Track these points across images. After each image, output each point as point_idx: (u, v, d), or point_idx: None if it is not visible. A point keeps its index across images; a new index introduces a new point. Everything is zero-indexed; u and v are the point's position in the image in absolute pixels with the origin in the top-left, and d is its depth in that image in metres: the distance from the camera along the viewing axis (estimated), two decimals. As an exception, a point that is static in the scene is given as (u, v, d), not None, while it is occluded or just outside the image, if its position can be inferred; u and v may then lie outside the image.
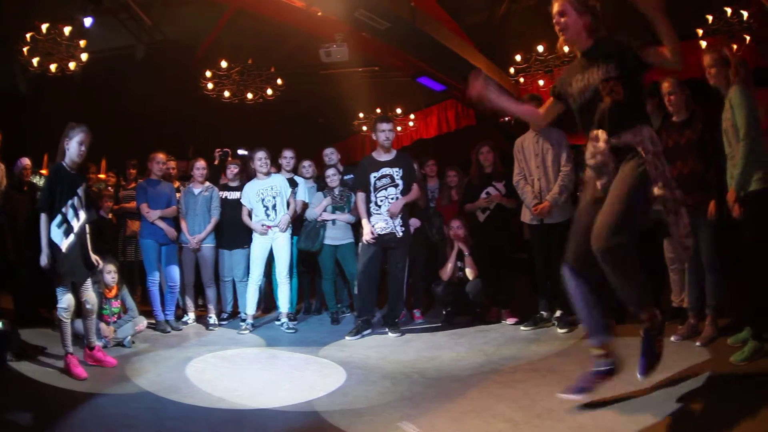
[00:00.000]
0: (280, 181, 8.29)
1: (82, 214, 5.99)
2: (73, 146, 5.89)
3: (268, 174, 8.25)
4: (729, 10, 10.26)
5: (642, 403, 4.36)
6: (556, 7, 4.57)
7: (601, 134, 4.31)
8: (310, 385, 5.39)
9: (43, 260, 5.71)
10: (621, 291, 4.31)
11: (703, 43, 10.24)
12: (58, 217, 5.78)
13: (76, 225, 5.89)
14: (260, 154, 8.19)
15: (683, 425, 3.95)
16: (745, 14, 10.11)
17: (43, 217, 5.76)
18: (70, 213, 5.86)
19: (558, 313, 7.15)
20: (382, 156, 7.68)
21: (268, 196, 8.09)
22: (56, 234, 5.75)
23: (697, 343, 5.73)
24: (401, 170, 7.58)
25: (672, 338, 5.97)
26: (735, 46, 10.20)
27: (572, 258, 4.55)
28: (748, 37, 10.43)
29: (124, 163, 10.13)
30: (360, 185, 7.70)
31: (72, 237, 5.84)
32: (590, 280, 4.50)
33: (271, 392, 5.25)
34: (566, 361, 5.73)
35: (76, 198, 5.93)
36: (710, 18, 10.45)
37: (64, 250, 5.76)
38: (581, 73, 4.47)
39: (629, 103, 4.24)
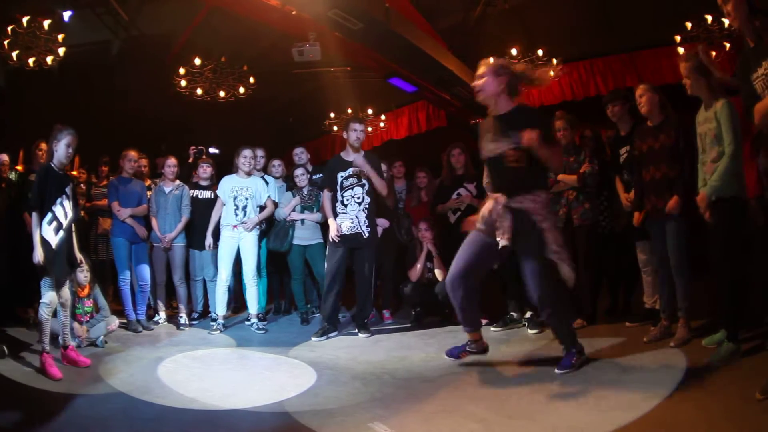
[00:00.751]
0: (258, 184, 8.29)
1: (71, 212, 6.13)
2: (61, 148, 6.04)
3: (249, 174, 8.25)
4: (710, 18, 10.32)
5: (615, 404, 4.39)
6: (478, 70, 5.44)
7: (501, 198, 5.31)
8: (280, 386, 5.41)
9: (36, 257, 5.78)
10: (558, 332, 5.56)
11: (681, 50, 10.32)
12: (49, 215, 5.90)
13: (65, 222, 6.03)
14: (247, 152, 8.21)
15: (657, 426, 3.99)
16: (726, 21, 10.18)
17: (35, 215, 5.89)
18: (60, 211, 5.98)
19: (528, 314, 7.21)
20: (350, 156, 7.68)
21: (241, 195, 8.09)
22: (47, 231, 5.87)
23: (671, 344, 5.78)
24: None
25: (645, 339, 6.06)
26: (714, 54, 10.28)
27: (460, 273, 5.54)
28: (728, 45, 10.51)
29: (96, 159, 10.07)
30: (327, 184, 7.72)
31: (62, 233, 5.98)
32: (469, 288, 5.52)
33: (243, 393, 5.26)
34: (537, 362, 5.79)
35: (64, 196, 6.05)
36: (689, 25, 10.52)
37: (54, 246, 5.88)
38: (493, 133, 5.38)
39: (530, 170, 5.22)
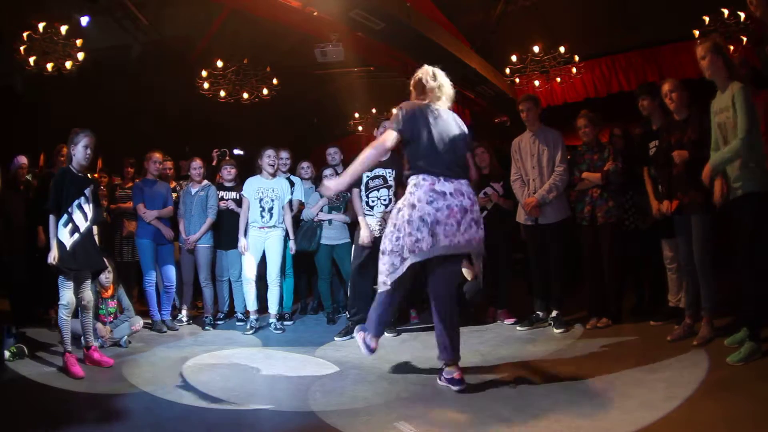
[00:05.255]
0: (283, 184, 8.27)
1: (90, 214, 6.17)
2: (80, 150, 6.10)
3: (273, 175, 8.24)
4: (726, 12, 10.28)
5: (638, 403, 4.36)
6: None
7: None
8: (306, 385, 5.39)
9: (51, 258, 5.85)
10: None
11: (699, 45, 10.28)
12: (64, 217, 5.96)
13: (82, 225, 6.07)
14: (270, 152, 8.18)
15: (680, 426, 3.96)
16: (743, 15, 10.13)
17: (52, 217, 5.97)
18: (76, 213, 6.04)
19: (554, 314, 7.16)
20: None
21: (267, 197, 8.06)
22: (62, 232, 5.93)
23: (694, 343, 5.72)
24: (394, 171, 7.49)
25: (668, 338, 6.01)
26: (732, 48, 10.23)
27: None
28: (744, 39, 10.45)
29: (120, 162, 10.11)
30: (354, 183, 7.65)
31: (77, 236, 6.01)
32: None
33: (268, 392, 5.27)
34: (562, 362, 5.74)
35: (83, 198, 6.11)
36: (707, 19, 10.48)
37: (68, 247, 5.92)
38: None
39: None
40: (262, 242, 8.05)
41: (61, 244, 5.90)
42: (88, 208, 6.15)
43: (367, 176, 7.46)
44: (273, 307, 8.10)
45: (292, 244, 8.22)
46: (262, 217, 8.03)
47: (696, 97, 6.05)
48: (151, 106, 13.85)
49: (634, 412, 4.21)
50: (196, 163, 8.53)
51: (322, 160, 9.14)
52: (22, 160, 8.40)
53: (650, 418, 4.05)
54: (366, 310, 7.64)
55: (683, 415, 4.10)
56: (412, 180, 5.12)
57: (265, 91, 13.22)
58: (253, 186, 8.15)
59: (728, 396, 4.41)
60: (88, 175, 6.46)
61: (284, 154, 8.73)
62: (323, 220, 8.43)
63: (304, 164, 9.22)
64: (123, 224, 9.06)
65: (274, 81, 13.19)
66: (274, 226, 8.09)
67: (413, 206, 4.94)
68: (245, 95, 13.18)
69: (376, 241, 7.35)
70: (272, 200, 8.07)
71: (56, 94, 11.35)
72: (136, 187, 8.39)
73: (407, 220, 4.93)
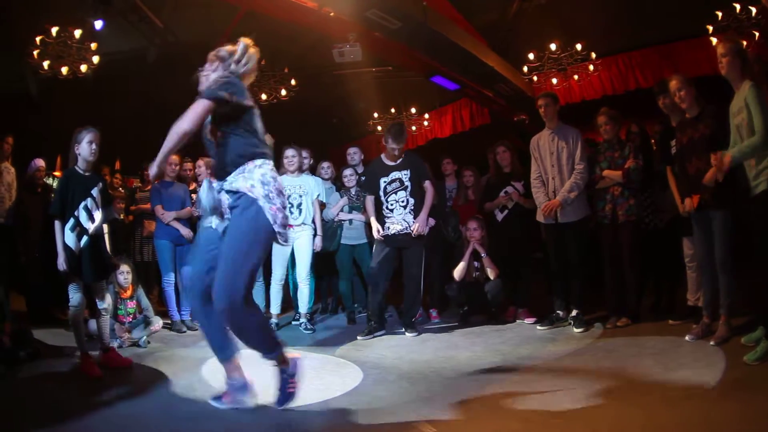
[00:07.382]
0: (309, 181, 8.27)
1: (98, 216, 5.97)
2: (84, 147, 5.90)
3: (295, 172, 8.21)
4: (738, 6, 10.23)
5: (656, 402, 4.35)
6: None
7: (215, 183, 4.60)
8: (326, 385, 5.38)
9: (60, 264, 5.74)
10: (248, 344, 4.75)
11: (714, 40, 10.22)
12: (71, 221, 5.80)
13: (90, 227, 5.88)
14: (289, 152, 8.15)
15: (697, 424, 3.94)
16: (754, 10, 10.09)
17: (57, 223, 5.79)
18: (83, 215, 5.86)
19: (574, 313, 7.13)
20: (390, 160, 7.70)
21: (295, 194, 8.04)
22: (69, 237, 5.78)
23: (711, 342, 5.70)
24: (409, 172, 7.56)
25: (687, 337, 6.00)
26: (744, 43, 10.18)
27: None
28: (757, 33, 10.41)
29: (138, 164, 10.14)
30: (369, 189, 7.73)
31: (86, 238, 5.84)
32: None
33: (288, 392, 5.25)
34: (582, 361, 5.73)
35: (89, 199, 5.92)
36: (720, 14, 10.43)
37: (76, 252, 5.79)
38: None
39: (233, 148, 4.59)
40: (291, 242, 7.95)
41: (68, 249, 5.76)
42: (96, 209, 5.97)
43: (384, 181, 7.51)
44: (303, 306, 8.13)
45: (318, 240, 8.19)
46: (291, 214, 7.94)
47: (713, 94, 5.99)
48: (167, 108, 13.85)
49: (653, 410, 4.21)
50: (198, 163, 8.55)
51: (341, 160, 9.14)
52: (40, 163, 8.44)
53: (668, 417, 4.05)
54: (383, 308, 7.71)
55: (701, 413, 4.08)
56: (258, 162, 4.56)
57: (283, 92, 13.24)
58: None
59: (745, 395, 4.39)
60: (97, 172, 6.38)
61: (305, 153, 8.70)
62: (344, 220, 8.44)
63: (325, 164, 9.23)
64: (143, 224, 9.11)
65: (293, 82, 13.20)
66: (303, 224, 8.07)
67: (275, 179, 4.51)
68: (263, 96, 13.20)
69: (394, 239, 7.39)
70: (300, 196, 8.10)
71: (71, 97, 11.37)
72: (153, 189, 8.41)
73: (278, 188, 4.48)
